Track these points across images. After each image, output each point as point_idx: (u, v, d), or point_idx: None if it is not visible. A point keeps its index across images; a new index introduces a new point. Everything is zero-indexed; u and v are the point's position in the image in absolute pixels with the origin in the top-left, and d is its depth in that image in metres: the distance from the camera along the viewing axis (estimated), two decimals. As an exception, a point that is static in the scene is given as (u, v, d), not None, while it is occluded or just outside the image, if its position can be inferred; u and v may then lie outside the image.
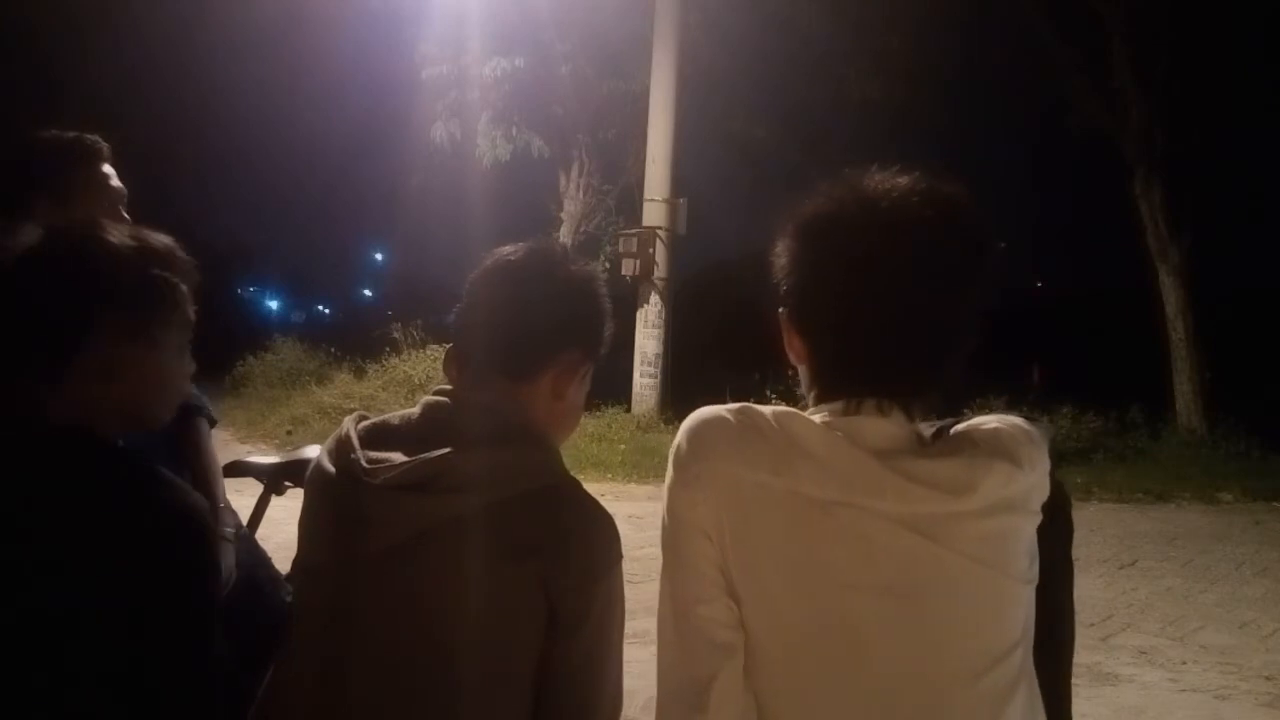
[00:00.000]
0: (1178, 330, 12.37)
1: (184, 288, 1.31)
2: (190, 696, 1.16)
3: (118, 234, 1.27)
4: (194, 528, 1.18)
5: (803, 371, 1.23)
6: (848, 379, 1.16)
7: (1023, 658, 1.14)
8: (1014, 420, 1.18)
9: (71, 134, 2.08)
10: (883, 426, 1.14)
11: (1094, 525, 7.44)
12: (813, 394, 1.21)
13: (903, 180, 1.16)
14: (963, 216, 1.15)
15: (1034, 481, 1.14)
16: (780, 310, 1.22)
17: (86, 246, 1.24)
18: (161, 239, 1.31)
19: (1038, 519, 1.16)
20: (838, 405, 1.16)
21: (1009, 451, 1.12)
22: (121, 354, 1.24)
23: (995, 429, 1.16)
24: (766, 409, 1.17)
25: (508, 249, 1.37)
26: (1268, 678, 4.46)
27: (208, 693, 1.18)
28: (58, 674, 1.11)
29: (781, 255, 1.20)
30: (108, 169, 2.08)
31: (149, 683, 1.13)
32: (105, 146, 2.09)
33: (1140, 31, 11.86)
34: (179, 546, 1.16)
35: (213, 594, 1.21)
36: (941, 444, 1.16)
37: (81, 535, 1.13)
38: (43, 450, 1.19)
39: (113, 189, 2.06)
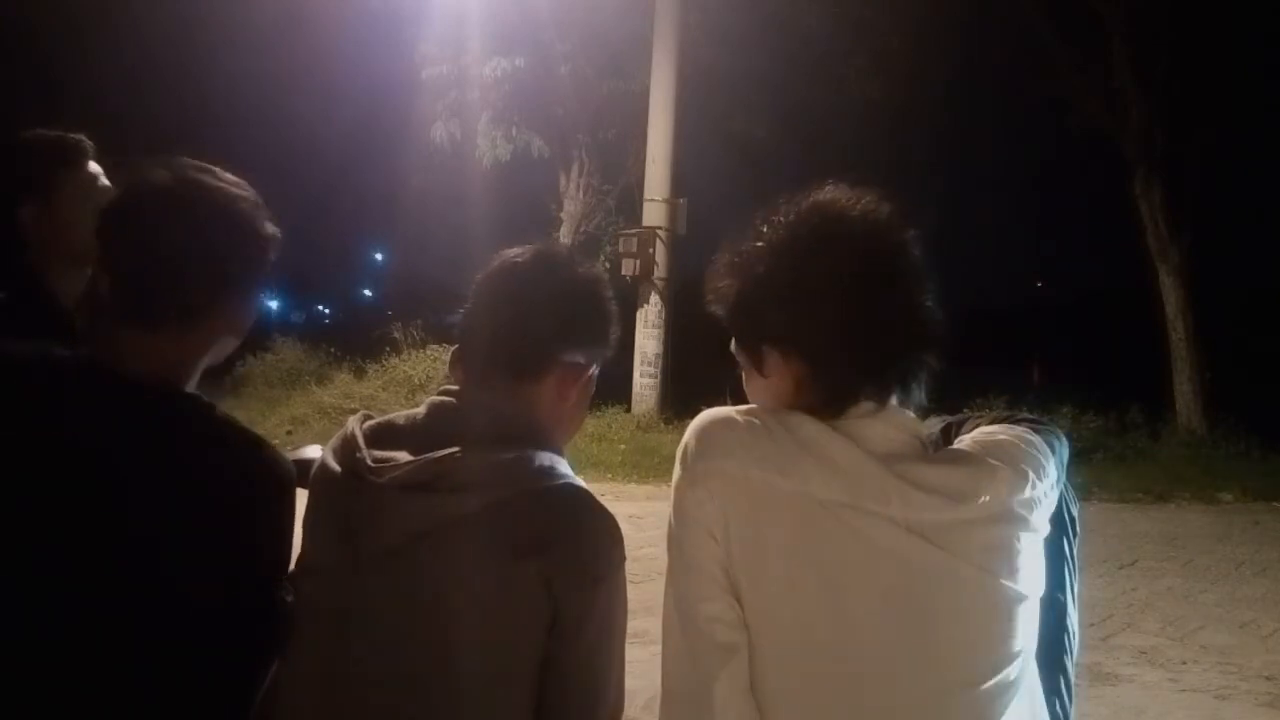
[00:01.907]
0: (1178, 330, 12.38)
1: (271, 241, 1.34)
2: (260, 629, 1.22)
3: (218, 183, 1.28)
4: (288, 491, 1.26)
5: (793, 398, 1.20)
6: (850, 383, 1.16)
7: (1025, 665, 1.14)
8: (1021, 431, 1.18)
9: (55, 133, 2.02)
10: (887, 431, 1.14)
11: (1094, 525, 7.40)
12: (811, 407, 1.18)
13: (849, 195, 1.21)
14: (902, 221, 1.21)
15: (1040, 493, 1.14)
16: (760, 341, 1.21)
17: (195, 198, 1.25)
18: (242, 189, 1.32)
19: (1045, 530, 1.16)
20: (843, 410, 1.16)
21: (1014, 462, 1.13)
22: (217, 305, 1.27)
23: (1001, 440, 1.16)
24: (775, 410, 1.17)
25: (514, 251, 1.37)
26: (1268, 678, 4.47)
27: (277, 629, 1.23)
28: (151, 602, 1.16)
29: (755, 279, 1.20)
30: (94, 168, 2.02)
31: (229, 614, 1.19)
32: (90, 145, 2.03)
33: (1140, 31, 11.86)
34: (275, 500, 1.23)
35: (290, 548, 1.29)
36: (946, 451, 1.17)
37: (190, 486, 1.18)
38: (145, 401, 1.21)
39: (100, 188, 1.98)
